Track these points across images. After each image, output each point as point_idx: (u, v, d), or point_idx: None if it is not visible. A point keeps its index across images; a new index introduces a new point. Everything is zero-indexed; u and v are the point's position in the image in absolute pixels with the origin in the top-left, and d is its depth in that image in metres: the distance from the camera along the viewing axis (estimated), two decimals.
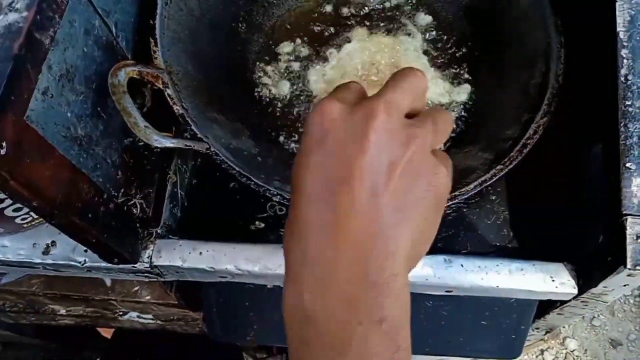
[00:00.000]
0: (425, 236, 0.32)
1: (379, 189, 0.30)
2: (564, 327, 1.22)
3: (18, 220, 0.45)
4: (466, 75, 0.58)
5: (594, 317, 1.27)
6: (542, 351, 1.24)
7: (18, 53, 0.31)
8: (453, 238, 0.53)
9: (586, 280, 0.46)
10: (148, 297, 0.60)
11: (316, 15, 0.61)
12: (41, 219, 0.47)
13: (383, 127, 0.30)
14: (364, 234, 0.29)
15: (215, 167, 0.57)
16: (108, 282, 0.60)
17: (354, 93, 0.34)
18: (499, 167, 0.45)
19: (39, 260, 0.47)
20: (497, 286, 0.47)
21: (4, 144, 0.30)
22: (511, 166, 0.45)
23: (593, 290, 0.46)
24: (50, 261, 0.47)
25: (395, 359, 0.29)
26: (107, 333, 1.03)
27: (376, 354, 0.29)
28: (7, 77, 0.31)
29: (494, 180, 0.45)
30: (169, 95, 0.46)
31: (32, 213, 0.46)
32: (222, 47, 0.55)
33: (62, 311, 0.68)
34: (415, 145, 0.31)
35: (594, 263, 0.46)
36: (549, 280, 0.47)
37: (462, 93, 0.57)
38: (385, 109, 0.31)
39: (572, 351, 1.25)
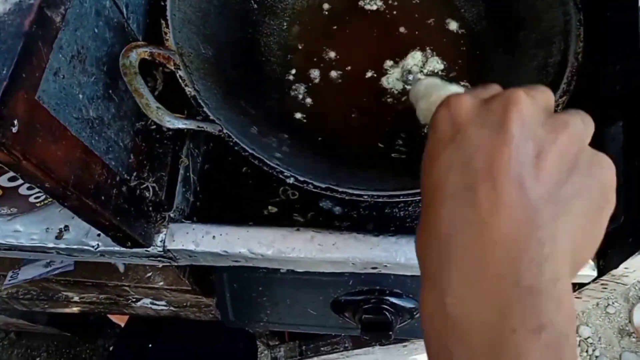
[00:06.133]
0: (587, 237, 0.27)
1: (527, 181, 0.25)
2: (578, 314, 1.21)
3: (31, 199, 0.45)
4: (480, 55, 0.57)
5: (608, 304, 1.26)
6: None
7: (29, 30, 0.31)
8: None
9: (606, 261, 0.45)
10: (161, 283, 0.60)
11: None
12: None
13: (527, 114, 0.26)
14: (513, 232, 0.25)
15: (227, 152, 0.57)
16: (121, 268, 0.60)
17: (487, 90, 0.30)
18: None
19: (52, 245, 0.47)
20: None
21: (15, 122, 0.30)
22: None
23: (613, 272, 0.45)
24: (63, 245, 0.47)
25: None
26: (120, 320, 1.03)
27: None
28: (18, 54, 0.30)
29: None
30: (180, 77, 0.45)
31: None
32: (233, 29, 0.54)
33: (76, 298, 0.68)
34: (566, 133, 0.27)
35: (614, 244, 0.45)
36: None
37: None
38: (527, 96, 0.27)
39: (586, 338, 1.24)
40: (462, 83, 0.56)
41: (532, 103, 0.27)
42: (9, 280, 0.56)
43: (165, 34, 0.46)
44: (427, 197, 0.29)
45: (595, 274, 0.46)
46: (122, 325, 1.03)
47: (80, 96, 0.39)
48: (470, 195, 0.26)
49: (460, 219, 0.26)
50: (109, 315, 1.02)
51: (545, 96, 0.29)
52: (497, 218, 0.25)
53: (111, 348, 1.21)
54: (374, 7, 0.60)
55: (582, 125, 0.28)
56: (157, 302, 0.67)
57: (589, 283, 0.48)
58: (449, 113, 0.29)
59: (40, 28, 0.32)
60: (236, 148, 0.44)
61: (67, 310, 0.72)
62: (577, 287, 0.50)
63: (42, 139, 0.33)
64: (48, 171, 0.33)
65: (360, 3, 0.60)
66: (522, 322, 0.24)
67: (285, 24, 0.59)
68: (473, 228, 0.26)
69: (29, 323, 1.03)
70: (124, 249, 0.46)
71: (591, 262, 0.46)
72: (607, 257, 0.45)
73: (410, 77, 0.55)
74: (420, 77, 0.54)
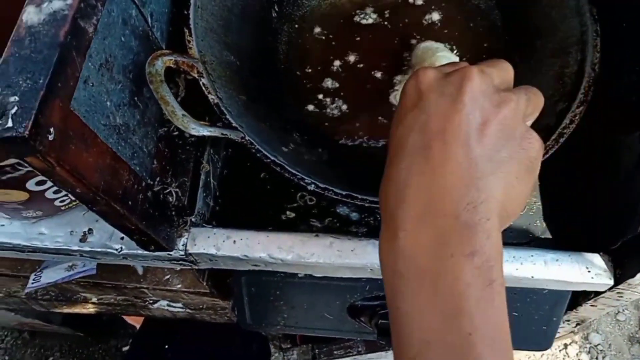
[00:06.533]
0: (516, 195, 0.33)
1: (472, 142, 0.31)
2: (590, 321, 1.21)
3: (57, 203, 0.46)
4: None
5: (618, 311, 1.25)
6: (565, 345, 1.23)
7: (64, 40, 0.32)
8: None
9: (623, 270, 0.46)
10: (179, 286, 0.61)
11: (346, 6, 0.61)
12: (77, 202, 0.48)
13: (477, 88, 0.32)
14: (457, 180, 0.31)
15: (246, 157, 0.58)
16: (140, 271, 0.61)
17: (453, 65, 0.36)
18: None
19: (76, 248, 0.48)
20: (532, 277, 0.46)
21: (52, 129, 0.31)
22: (547, 156, 0.45)
23: (630, 280, 0.45)
24: (87, 248, 0.48)
25: (488, 292, 0.30)
26: (133, 321, 1.04)
27: (468, 285, 0.29)
28: (53, 64, 0.31)
29: None
30: (203, 84, 0.46)
31: (70, 195, 0.47)
32: (254, 37, 0.55)
33: (94, 299, 0.69)
34: (508, 108, 0.32)
35: (631, 253, 0.45)
36: (584, 270, 0.46)
37: None
38: (480, 74, 0.33)
39: (596, 345, 1.23)
40: None
41: (484, 80, 0.33)
42: (32, 284, 0.56)
43: (189, 42, 0.47)
44: (391, 154, 0.34)
45: (612, 282, 0.46)
46: (136, 326, 1.04)
47: (108, 103, 0.40)
48: (426, 150, 0.32)
49: (415, 170, 0.32)
50: (123, 316, 1.04)
51: (500, 73, 0.35)
52: (445, 169, 0.31)
53: (124, 349, 1.22)
54: (371, 20, 0.61)
55: (524, 103, 0.34)
56: (173, 304, 0.68)
57: (605, 291, 0.48)
58: (416, 83, 0.34)
59: (74, 38, 0.33)
60: (258, 155, 0.44)
61: (84, 311, 0.73)
62: (593, 295, 0.51)
63: (75, 146, 0.34)
64: (80, 177, 0.34)
65: (356, 19, 0.61)
66: (458, 248, 0.30)
67: (303, 31, 0.60)
68: (425, 176, 0.32)
69: (43, 323, 1.04)
70: (146, 252, 0.47)
71: (608, 271, 0.46)
72: (624, 266, 0.45)
73: None
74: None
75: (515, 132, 0.33)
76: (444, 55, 0.52)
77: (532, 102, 0.35)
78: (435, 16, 0.60)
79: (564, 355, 1.23)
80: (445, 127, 0.31)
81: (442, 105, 0.32)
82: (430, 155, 0.32)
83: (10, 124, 0.29)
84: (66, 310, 0.74)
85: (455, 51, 0.58)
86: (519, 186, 0.32)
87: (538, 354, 1.21)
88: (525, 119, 0.35)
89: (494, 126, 0.32)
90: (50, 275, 0.57)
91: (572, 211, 0.53)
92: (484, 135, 0.31)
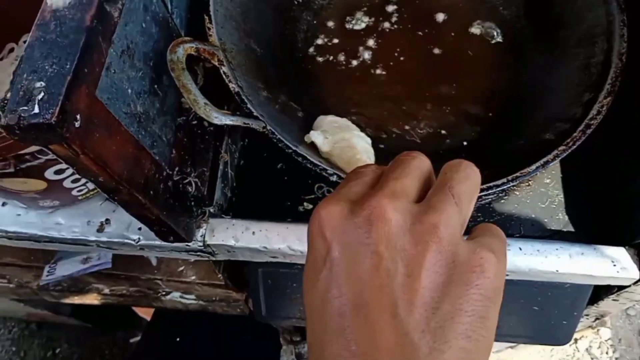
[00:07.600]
0: (472, 356, 0.24)
1: (400, 309, 0.23)
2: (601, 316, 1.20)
3: (74, 192, 0.45)
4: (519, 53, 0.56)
5: (629, 306, 1.25)
6: (575, 340, 1.23)
7: (90, 25, 0.31)
8: (506, 222, 0.52)
9: None
10: (193, 277, 0.60)
11: None
12: (95, 191, 0.47)
13: (393, 228, 0.25)
14: None
15: (263, 148, 0.57)
16: (154, 262, 0.61)
17: (360, 184, 0.28)
18: (561, 147, 0.44)
19: (93, 238, 0.47)
20: (557, 270, 0.46)
21: (78, 116, 0.30)
22: (574, 147, 0.44)
23: None
24: (104, 239, 0.47)
25: None
26: (143, 313, 1.04)
27: None
28: (80, 49, 0.30)
29: (556, 161, 0.44)
30: (224, 73, 0.45)
31: (88, 184, 0.46)
32: (272, 24, 0.55)
33: (106, 290, 0.68)
34: (436, 239, 0.24)
35: None
36: (610, 264, 0.46)
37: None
38: (391, 205, 0.25)
39: (606, 340, 1.23)
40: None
41: (398, 209, 0.25)
42: (46, 276, 0.56)
43: (209, 29, 0.46)
44: (309, 332, 0.26)
45: (637, 276, 0.45)
46: (145, 317, 1.03)
47: (129, 91, 0.39)
48: (347, 335, 0.24)
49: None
50: (133, 308, 1.03)
51: (414, 177, 0.28)
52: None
53: (131, 340, 1.22)
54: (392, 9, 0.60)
55: (455, 214, 0.26)
56: (186, 296, 0.68)
57: (629, 286, 0.48)
58: (319, 227, 0.26)
59: (100, 23, 0.32)
60: (280, 145, 0.44)
61: (95, 302, 0.73)
62: (616, 289, 0.50)
63: (99, 134, 0.33)
64: (104, 166, 0.33)
65: (347, 26, 0.59)
66: None
67: (321, 20, 0.59)
68: None
69: (52, 314, 1.04)
70: (164, 243, 0.46)
71: (633, 265, 0.46)
72: None
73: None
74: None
75: (455, 268, 0.24)
76: (348, 145, 0.44)
77: (463, 198, 0.26)
78: (458, 3, 0.59)
79: (574, 350, 1.22)
80: (362, 294, 0.24)
81: (354, 261, 0.25)
82: (353, 341, 0.23)
83: (36, 110, 0.28)
84: (77, 301, 0.73)
85: None
86: (475, 347, 0.23)
87: (548, 348, 1.21)
88: (464, 224, 0.27)
89: (423, 275, 0.24)
90: (66, 268, 0.56)
91: (595, 204, 0.52)
92: (414, 291, 0.23)
